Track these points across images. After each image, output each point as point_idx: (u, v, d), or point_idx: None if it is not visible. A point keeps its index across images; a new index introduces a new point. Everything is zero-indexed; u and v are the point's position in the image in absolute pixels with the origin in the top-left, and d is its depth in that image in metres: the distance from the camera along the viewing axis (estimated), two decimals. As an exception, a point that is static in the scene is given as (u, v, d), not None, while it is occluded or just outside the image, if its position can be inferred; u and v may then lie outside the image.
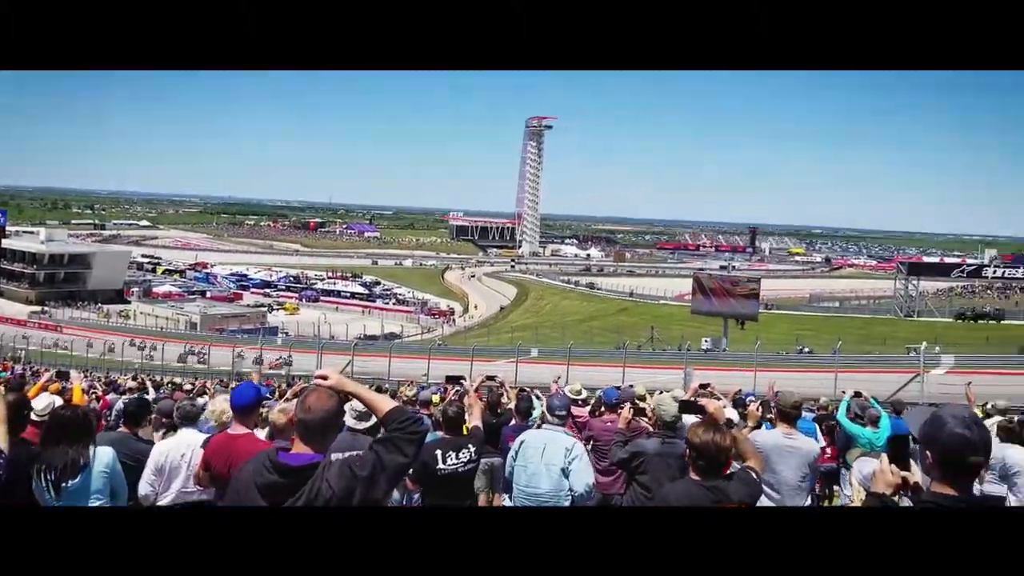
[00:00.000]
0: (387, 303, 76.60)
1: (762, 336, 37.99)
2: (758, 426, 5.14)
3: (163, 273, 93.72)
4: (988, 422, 6.94)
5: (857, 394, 8.24)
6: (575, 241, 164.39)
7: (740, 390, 10.87)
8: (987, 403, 9.48)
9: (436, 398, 9.05)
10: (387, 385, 20.73)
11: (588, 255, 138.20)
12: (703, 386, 6.35)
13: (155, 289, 76.86)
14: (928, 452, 2.21)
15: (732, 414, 5.96)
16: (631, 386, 9.92)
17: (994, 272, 67.75)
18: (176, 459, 4.43)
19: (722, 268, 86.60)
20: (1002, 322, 52.12)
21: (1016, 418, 6.50)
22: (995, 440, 6.00)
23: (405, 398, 8.93)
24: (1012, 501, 5.21)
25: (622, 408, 5.58)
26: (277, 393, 11.87)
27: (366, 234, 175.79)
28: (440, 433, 4.96)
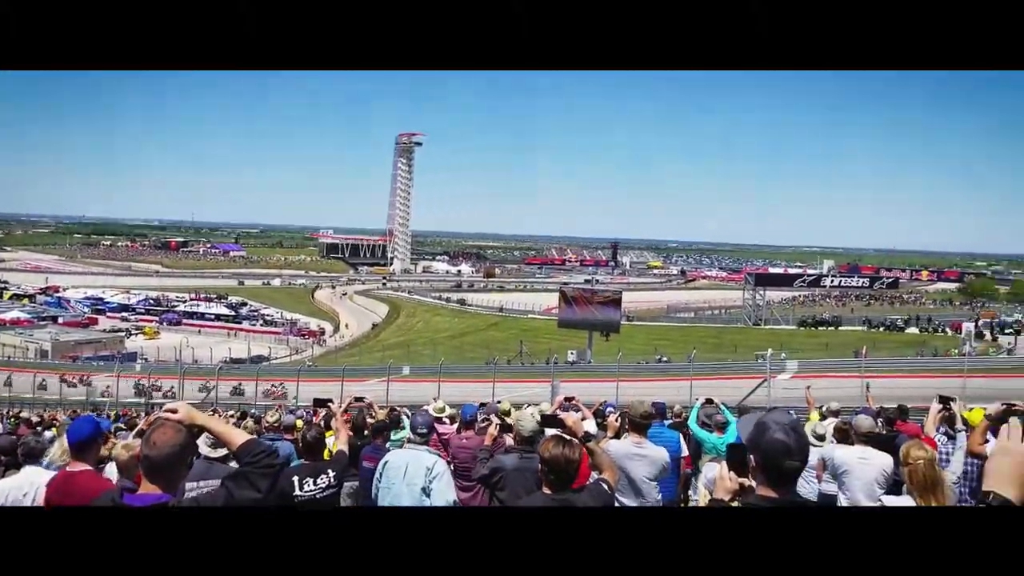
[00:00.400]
0: (254, 325, 73.42)
1: (624, 347, 39.39)
2: (617, 436, 5.34)
3: (10, 298, 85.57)
4: (825, 423, 7.53)
5: (708, 401, 8.63)
6: (446, 258, 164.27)
7: (605, 402, 11.22)
8: (822, 406, 10.32)
9: (300, 423, 8.82)
10: (253, 410, 20.00)
11: (459, 271, 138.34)
12: (568, 399, 6.52)
13: (1, 315, 70.24)
14: (752, 457, 2.32)
15: (592, 427, 6.15)
16: (498, 402, 10.03)
17: (832, 281, 74.36)
18: (18, 498, 4.11)
19: (586, 282, 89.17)
20: (839, 328, 56.52)
21: (847, 419, 7.02)
22: (830, 441, 6.51)
23: (267, 424, 8.61)
24: (842, 499, 5.45)
25: (484, 423, 5.64)
26: (130, 425, 11.16)
27: (231, 253, 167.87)
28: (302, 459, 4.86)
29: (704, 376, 30.89)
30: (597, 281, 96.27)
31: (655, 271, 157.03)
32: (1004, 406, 4.73)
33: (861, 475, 5.40)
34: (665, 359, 40.61)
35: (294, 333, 68.80)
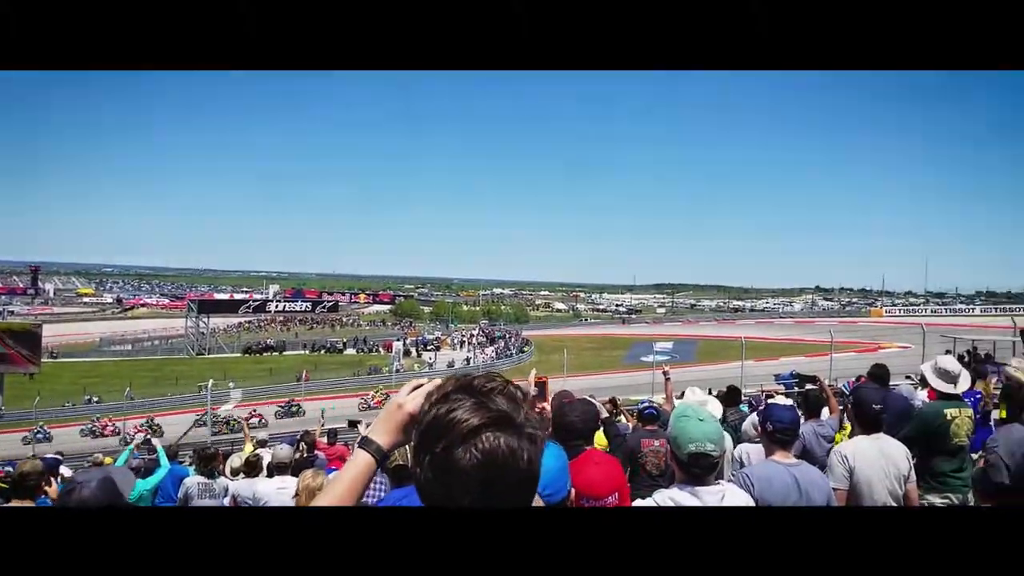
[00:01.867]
0: None
1: (46, 389, 34.87)
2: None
3: None
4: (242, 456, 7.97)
5: (146, 442, 8.42)
6: None
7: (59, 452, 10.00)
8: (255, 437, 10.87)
9: None
10: None
11: None
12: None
13: None
14: None
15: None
16: None
17: (277, 307, 76.95)
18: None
19: (-3, 313, 76.14)
20: (284, 353, 58.84)
21: (260, 452, 7.57)
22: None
23: None
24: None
25: None
26: None
27: None
28: None
29: (142, 414, 29.28)
30: (11, 313, 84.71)
31: (86, 299, 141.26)
32: None
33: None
34: (96, 399, 37.01)
35: None
